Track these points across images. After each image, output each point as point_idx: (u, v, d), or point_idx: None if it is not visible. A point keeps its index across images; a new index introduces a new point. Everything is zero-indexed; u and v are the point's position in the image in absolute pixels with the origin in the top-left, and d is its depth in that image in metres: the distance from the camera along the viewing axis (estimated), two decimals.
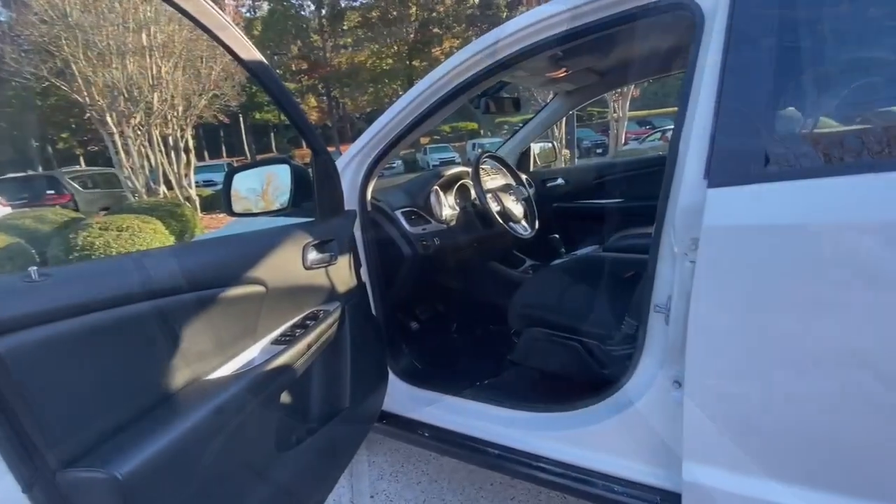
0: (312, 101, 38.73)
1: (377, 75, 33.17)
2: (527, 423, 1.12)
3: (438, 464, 1.53)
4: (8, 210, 7.68)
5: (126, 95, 7.29)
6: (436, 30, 32.30)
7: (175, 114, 8.26)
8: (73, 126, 24.37)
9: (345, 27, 33.76)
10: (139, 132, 7.75)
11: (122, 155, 7.71)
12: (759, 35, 0.75)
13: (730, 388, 0.78)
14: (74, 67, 6.85)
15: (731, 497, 0.80)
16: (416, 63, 32.63)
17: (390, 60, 33.38)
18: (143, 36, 7.24)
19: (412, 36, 32.11)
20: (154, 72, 7.51)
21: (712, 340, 0.77)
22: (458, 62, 1.12)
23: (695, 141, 0.78)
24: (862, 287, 0.66)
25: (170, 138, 8.45)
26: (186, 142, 8.97)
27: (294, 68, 34.46)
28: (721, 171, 0.73)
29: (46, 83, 7.11)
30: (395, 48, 32.79)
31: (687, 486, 0.84)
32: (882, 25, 0.77)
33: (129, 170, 7.80)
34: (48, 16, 6.59)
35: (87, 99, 7.12)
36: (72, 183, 10.12)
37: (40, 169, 18.14)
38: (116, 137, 7.46)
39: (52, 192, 9.63)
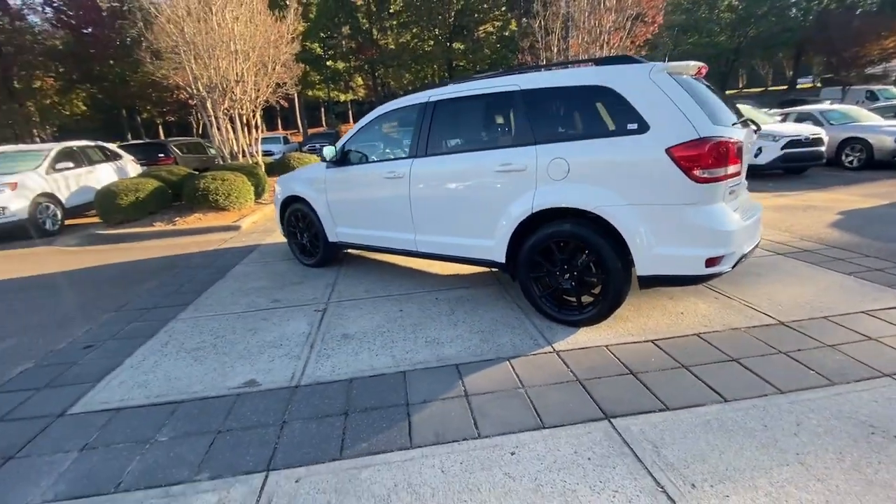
0: (359, 79, 41.41)
1: (419, 57, 35.23)
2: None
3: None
4: (138, 167, 10.96)
5: (220, 88, 10.25)
6: (476, 15, 33.73)
7: (250, 100, 11.18)
8: (154, 101, 29.07)
9: (391, 10, 35.81)
10: (226, 114, 10.75)
11: (215, 130, 10.75)
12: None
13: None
14: (187, 68, 9.85)
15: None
16: (456, 45, 34.32)
17: (431, 42, 35.25)
18: (231, 44, 10.11)
19: (452, 19, 33.72)
20: (236, 70, 10.41)
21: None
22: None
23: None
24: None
25: (245, 118, 11.42)
26: (257, 121, 11.93)
27: (345, 49, 37.04)
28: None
29: (168, 80, 10.14)
30: (437, 31, 34.58)
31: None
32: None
33: (219, 141, 10.86)
34: (171, 31, 9.58)
35: (194, 90, 10.15)
36: (175, 149, 13.52)
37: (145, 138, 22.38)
38: (213, 118, 10.49)
39: (162, 155, 13.05)
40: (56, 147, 8.59)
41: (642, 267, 2.57)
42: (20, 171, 7.69)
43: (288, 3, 12.50)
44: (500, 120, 3.16)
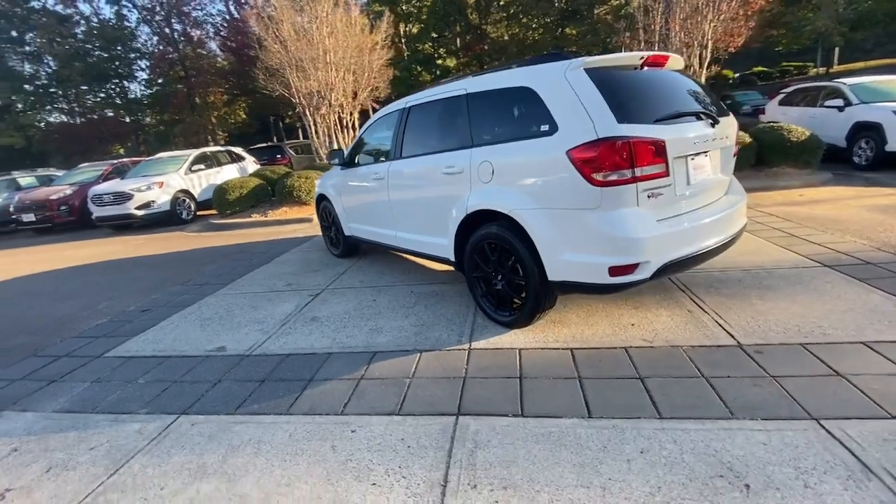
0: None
1: (525, 47, 34.50)
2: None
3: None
4: (257, 165, 13.10)
5: (318, 95, 11.68)
6: None
7: (347, 104, 12.50)
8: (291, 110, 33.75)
9: (500, 2, 35.65)
10: (323, 119, 12.18)
11: (312, 134, 12.28)
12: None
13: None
14: (290, 79, 11.43)
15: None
16: (568, 31, 32.77)
17: (541, 30, 34.20)
18: (326, 56, 11.41)
19: (563, 4, 32.23)
20: (332, 79, 11.71)
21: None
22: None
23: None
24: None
25: (343, 121, 12.79)
26: (353, 122, 13.27)
27: (456, 46, 38.08)
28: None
29: (277, 92, 11.89)
30: (546, 19, 33.43)
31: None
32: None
33: (317, 143, 12.38)
34: (277, 50, 11.21)
35: (296, 98, 11.73)
36: (290, 151, 15.71)
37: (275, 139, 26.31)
38: (311, 123, 12.01)
39: (280, 156, 15.29)
40: (194, 153, 10.79)
41: (552, 272, 2.48)
42: (166, 173, 9.89)
43: (383, 15, 13.56)
44: (451, 123, 3.24)
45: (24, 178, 12.49)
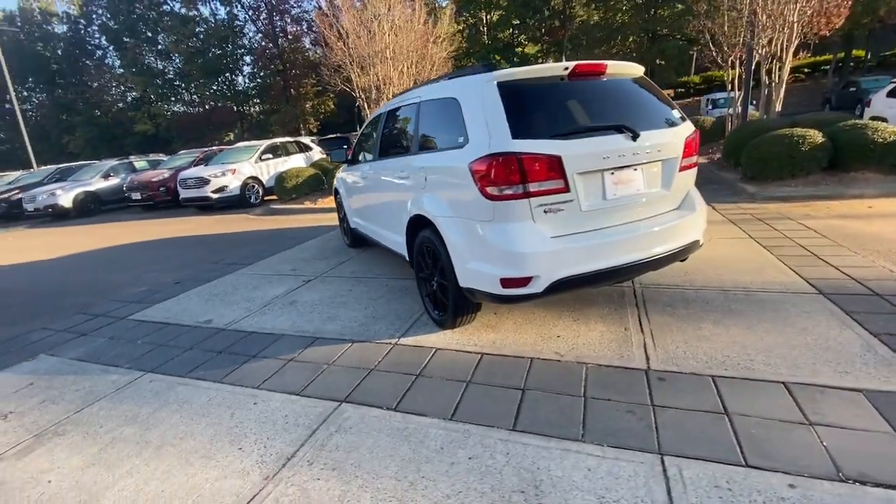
0: (551, 61, 40.68)
1: (612, 31, 32.35)
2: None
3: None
4: (323, 155, 14.15)
5: (376, 90, 12.28)
6: None
7: None
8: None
9: None
10: None
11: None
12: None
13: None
14: (351, 75, 12.14)
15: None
16: (660, 12, 30.12)
17: (631, 13, 31.78)
18: (386, 52, 11.91)
19: None
20: (391, 74, 12.21)
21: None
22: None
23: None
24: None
25: None
26: None
27: (541, 32, 36.89)
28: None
29: (338, 87, 12.71)
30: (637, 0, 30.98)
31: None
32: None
33: None
34: (340, 48, 11.94)
35: (356, 93, 12.44)
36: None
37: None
38: (369, 115, 12.66)
39: (346, 146, 16.30)
40: (265, 143, 12.00)
41: (461, 278, 2.57)
42: (240, 161, 11.16)
43: (445, 8, 13.71)
44: (406, 130, 3.38)
45: (139, 162, 14.88)
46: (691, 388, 2.16)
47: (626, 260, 2.40)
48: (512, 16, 34.97)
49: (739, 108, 11.67)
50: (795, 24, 8.28)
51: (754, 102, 11.87)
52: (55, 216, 13.13)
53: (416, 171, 2.96)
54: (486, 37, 36.20)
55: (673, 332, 2.69)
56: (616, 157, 2.33)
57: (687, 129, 2.66)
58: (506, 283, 2.30)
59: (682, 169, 2.63)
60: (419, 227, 3.07)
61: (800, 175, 6.59)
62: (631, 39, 32.39)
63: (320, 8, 34.68)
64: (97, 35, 40.21)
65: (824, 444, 1.72)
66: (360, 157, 4.72)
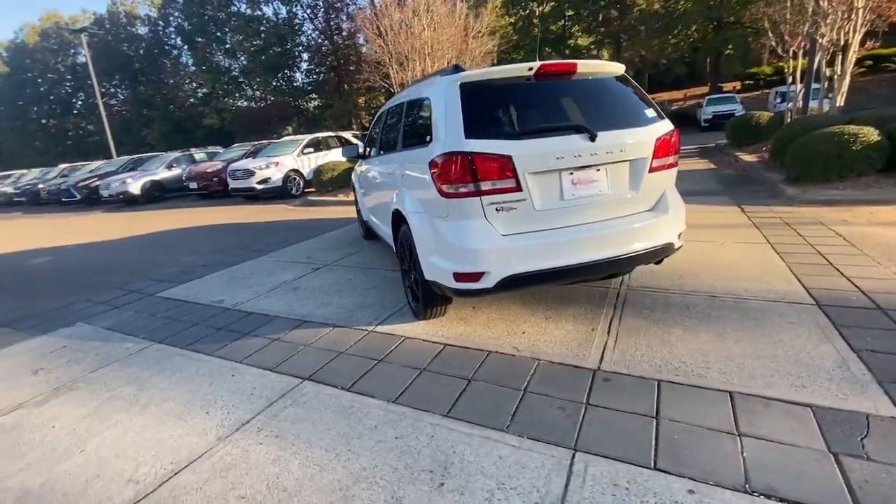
0: (605, 53, 39.18)
1: (672, 20, 30.47)
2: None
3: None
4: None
5: None
6: None
7: None
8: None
9: None
10: None
11: None
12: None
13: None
14: (390, 71, 12.46)
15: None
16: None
17: (690, 2, 29.74)
18: (424, 48, 12.11)
19: None
20: (429, 70, 12.38)
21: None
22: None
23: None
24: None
25: None
26: None
27: (597, 22, 35.53)
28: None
29: (377, 83, 13.09)
30: None
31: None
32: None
33: None
34: (381, 45, 12.28)
35: (395, 89, 12.75)
36: None
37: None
38: None
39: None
40: (307, 137, 12.63)
41: (425, 271, 2.68)
42: (283, 154, 11.84)
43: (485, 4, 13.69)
44: (396, 128, 3.51)
45: (198, 154, 16.17)
46: (633, 390, 2.15)
47: (581, 259, 2.40)
48: (566, 6, 33.91)
49: (801, 103, 10.76)
50: (861, 11, 7.49)
51: (829, 96, 10.88)
52: (126, 202, 14.62)
53: (397, 167, 3.11)
54: (537, 28, 35.38)
55: (639, 336, 2.66)
56: (571, 158, 2.34)
57: (661, 128, 2.59)
58: (458, 277, 2.39)
59: (654, 170, 2.57)
60: (400, 221, 3.22)
61: (849, 177, 6.02)
62: (693, 29, 30.35)
63: (365, 7, 35.74)
64: (173, 35, 43.76)
65: (744, 455, 1.69)
66: (368, 153, 4.94)
